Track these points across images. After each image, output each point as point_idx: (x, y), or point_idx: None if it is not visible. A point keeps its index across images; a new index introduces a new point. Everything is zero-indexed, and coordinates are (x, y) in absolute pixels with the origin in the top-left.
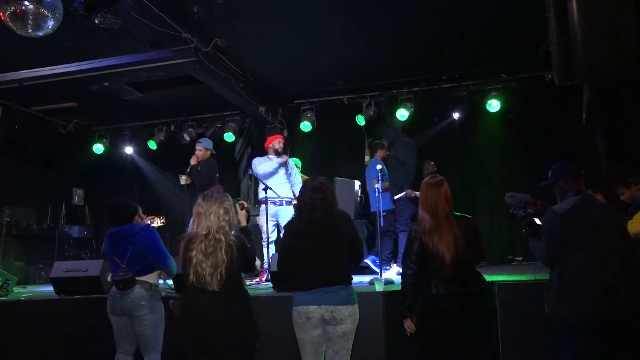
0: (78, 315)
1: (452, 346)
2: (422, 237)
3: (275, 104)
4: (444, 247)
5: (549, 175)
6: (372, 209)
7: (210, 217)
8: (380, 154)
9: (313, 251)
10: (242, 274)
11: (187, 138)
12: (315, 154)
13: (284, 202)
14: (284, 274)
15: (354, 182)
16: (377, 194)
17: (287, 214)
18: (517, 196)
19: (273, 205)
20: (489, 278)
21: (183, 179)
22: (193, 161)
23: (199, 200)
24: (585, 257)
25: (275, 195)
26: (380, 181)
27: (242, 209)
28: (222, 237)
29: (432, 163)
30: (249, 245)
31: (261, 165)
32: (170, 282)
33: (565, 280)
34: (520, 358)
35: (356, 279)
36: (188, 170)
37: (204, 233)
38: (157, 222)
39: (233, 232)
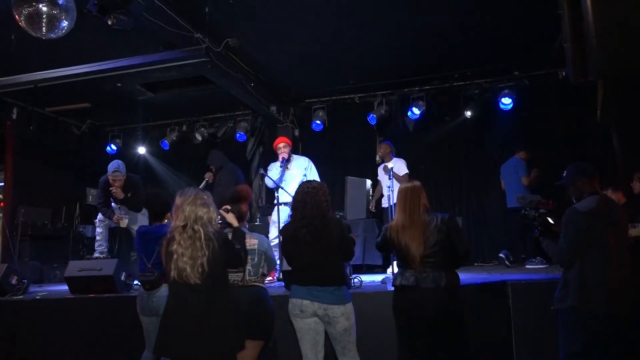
0: (93, 313)
1: (418, 340)
2: (389, 233)
3: (287, 103)
4: (413, 244)
5: (564, 175)
6: None
7: (186, 209)
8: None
9: (304, 255)
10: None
11: (199, 138)
12: (327, 153)
13: None
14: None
15: (365, 180)
16: (388, 193)
17: None
18: (528, 197)
19: (287, 207)
20: (501, 277)
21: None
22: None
23: (177, 195)
24: (608, 254)
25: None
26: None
27: (227, 212)
28: (200, 229)
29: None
30: (234, 242)
31: (271, 173)
32: None
33: (586, 277)
34: (533, 357)
35: (368, 278)
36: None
37: (181, 224)
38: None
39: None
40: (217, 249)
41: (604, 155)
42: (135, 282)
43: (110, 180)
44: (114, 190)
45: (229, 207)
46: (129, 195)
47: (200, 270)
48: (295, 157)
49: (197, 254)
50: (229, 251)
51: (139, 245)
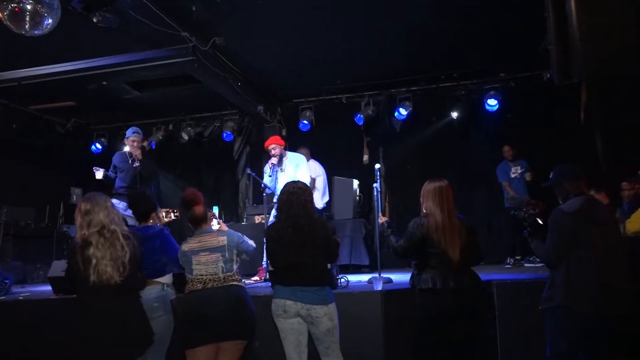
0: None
1: (447, 340)
2: (429, 232)
3: (274, 103)
4: (452, 244)
5: (551, 176)
6: None
7: (99, 213)
8: None
9: (288, 255)
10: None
11: (186, 137)
12: (314, 153)
13: None
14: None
15: (352, 181)
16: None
17: None
18: (517, 198)
19: None
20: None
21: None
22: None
23: (81, 202)
24: (594, 253)
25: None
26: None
27: (165, 215)
28: (117, 228)
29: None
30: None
31: (266, 178)
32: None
33: (573, 276)
34: (518, 356)
35: (355, 278)
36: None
37: (97, 229)
38: (171, 216)
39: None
40: (136, 246)
41: (588, 156)
42: None
43: (130, 142)
44: (133, 150)
45: (164, 210)
46: (138, 165)
47: (121, 269)
48: (289, 155)
49: (118, 254)
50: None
51: None
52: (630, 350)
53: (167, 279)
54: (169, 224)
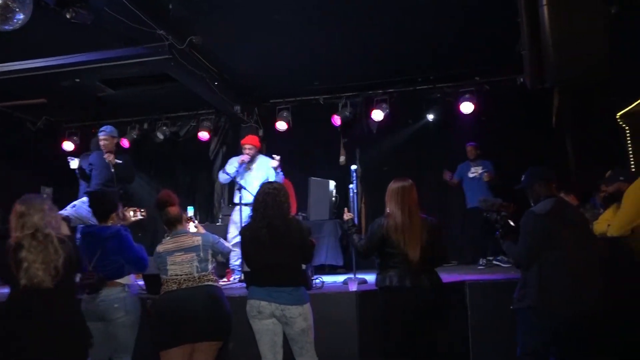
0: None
1: (410, 340)
2: (388, 233)
3: (251, 103)
4: (411, 245)
5: (523, 178)
6: None
7: (34, 216)
8: None
9: (263, 256)
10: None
11: (161, 137)
12: (291, 154)
13: None
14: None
15: (328, 182)
16: (351, 194)
17: None
18: (489, 200)
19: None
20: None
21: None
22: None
23: (17, 203)
24: (564, 254)
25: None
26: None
27: (133, 215)
28: (51, 232)
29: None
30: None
31: (229, 167)
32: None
33: (544, 277)
34: (489, 355)
35: (330, 278)
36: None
37: (31, 232)
38: (138, 215)
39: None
40: (73, 250)
41: (559, 159)
42: None
43: (102, 142)
44: (107, 156)
45: (131, 209)
46: (119, 162)
47: (54, 273)
48: (260, 157)
49: (51, 258)
50: (78, 253)
51: (81, 246)
52: (601, 349)
53: (126, 279)
54: (137, 223)
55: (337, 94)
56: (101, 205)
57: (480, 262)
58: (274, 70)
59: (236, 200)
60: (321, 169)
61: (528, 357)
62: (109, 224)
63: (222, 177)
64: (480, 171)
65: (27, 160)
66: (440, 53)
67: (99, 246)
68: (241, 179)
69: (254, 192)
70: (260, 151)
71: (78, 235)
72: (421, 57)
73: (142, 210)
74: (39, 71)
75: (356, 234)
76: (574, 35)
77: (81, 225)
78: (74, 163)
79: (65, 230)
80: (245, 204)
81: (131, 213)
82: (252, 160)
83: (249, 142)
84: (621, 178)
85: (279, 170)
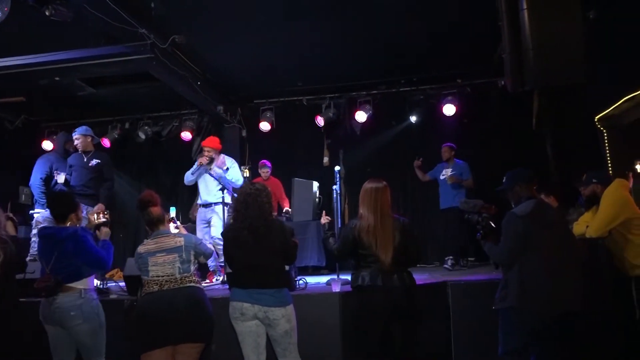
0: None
1: (385, 339)
2: (360, 234)
3: (234, 103)
4: (382, 246)
5: (504, 180)
6: None
7: None
8: None
9: (245, 257)
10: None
11: (143, 136)
12: (274, 155)
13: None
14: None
15: (312, 182)
16: (335, 195)
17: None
18: (470, 202)
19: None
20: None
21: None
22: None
23: None
24: (544, 255)
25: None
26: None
27: (7, 220)
28: None
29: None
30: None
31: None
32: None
33: (526, 277)
34: (471, 355)
35: (313, 279)
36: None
37: None
38: (101, 218)
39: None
40: (13, 251)
41: (539, 160)
42: None
43: (77, 145)
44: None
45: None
46: (94, 163)
47: None
48: (220, 158)
49: None
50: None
51: (39, 248)
52: (580, 348)
53: (84, 283)
54: (101, 225)
55: (320, 94)
56: (58, 206)
57: (461, 263)
58: (258, 70)
59: (198, 201)
60: (305, 170)
61: (509, 357)
62: (67, 225)
63: (186, 179)
64: (449, 173)
65: (4, 160)
66: (423, 55)
67: (56, 248)
68: (202, 180)
69: (212, 193)
70: (221, 152)
71: (35, 237)
72: (404, 59)
73: (107, 212)
74: (17, 69)
75: (331, 237)
76: (553, 39)
77: (40, 226)
78: (61, 178)
79: (10, 230)
80: (202, 204)
81: (95, 215)
82: (211, 161)
83: (208, 144)
84: (594, 180)
85: (225, 169)
